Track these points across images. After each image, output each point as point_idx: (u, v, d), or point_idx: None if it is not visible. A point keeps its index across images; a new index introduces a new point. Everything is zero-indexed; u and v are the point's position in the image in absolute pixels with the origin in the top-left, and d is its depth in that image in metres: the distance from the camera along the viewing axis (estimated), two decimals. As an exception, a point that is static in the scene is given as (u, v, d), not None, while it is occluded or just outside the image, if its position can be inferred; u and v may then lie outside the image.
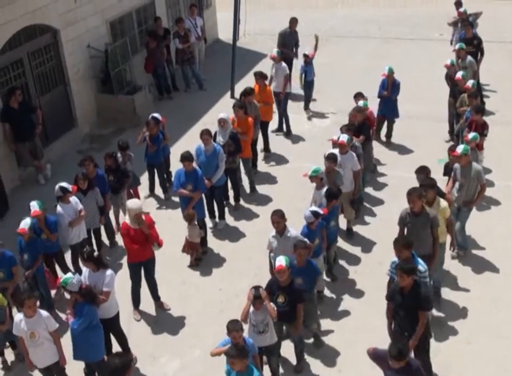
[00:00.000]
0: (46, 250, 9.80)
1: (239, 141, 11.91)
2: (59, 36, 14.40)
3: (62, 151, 14.55)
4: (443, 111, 14.60)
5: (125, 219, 9.51)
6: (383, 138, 14.38)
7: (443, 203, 9.36)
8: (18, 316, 7.99)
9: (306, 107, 15.98)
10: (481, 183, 10.29)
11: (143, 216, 9.27)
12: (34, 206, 9.60)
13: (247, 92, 13.11)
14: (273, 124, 15.16)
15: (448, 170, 11.05)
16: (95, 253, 8.62)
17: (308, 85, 15.67)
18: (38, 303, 8.36)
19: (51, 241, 9.78)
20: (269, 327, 7.97)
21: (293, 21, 16.71)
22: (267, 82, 14.07)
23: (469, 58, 14.55)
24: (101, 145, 14.62)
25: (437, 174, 10.30)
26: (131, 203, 9.37)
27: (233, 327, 7.21)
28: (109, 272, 8.52)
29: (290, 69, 16.03)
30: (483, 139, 11.85)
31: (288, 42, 16.68)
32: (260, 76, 13.77)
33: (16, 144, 13.03)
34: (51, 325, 7.99)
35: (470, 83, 12.97)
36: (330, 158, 10.52)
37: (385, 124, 14.30)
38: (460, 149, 10.22)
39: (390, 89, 13.81)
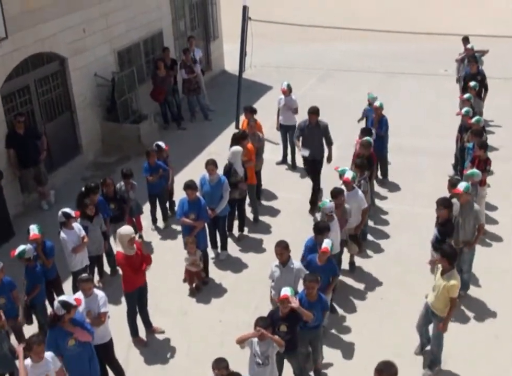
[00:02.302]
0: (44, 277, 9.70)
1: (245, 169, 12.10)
2: (66, 64, 14.52)
3: (66, 178, 14.58)
4: (447, 146, 14.63)
5: (117, 248, 9.38)
6: (379, 176, 14.15)
7: (454, 281, 8.47)
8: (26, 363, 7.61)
9: None
10: (478, 223, 10.15)
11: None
12: (34, 229, 9.60)
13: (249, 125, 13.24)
14: (278, 156, 15.22)
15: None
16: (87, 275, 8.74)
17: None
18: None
19: (46, 267, 9.70)
20: (270, 360, 7.86)
21: (312, 113, 12.81)
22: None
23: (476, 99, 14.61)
24: (105, 173, 14.61)
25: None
26: (124, 230, 9.31)
27: (216, 365, 7.31)
28: (101, 293, 8.54)
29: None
30: (485, 175, 11.82)
31: (308, 139, 12.97)
32: (250, 111, 13.60)
33: (21, 170, 13.07)
34: (56, 364, 7.76)
35: (474, 119, 12.99)
36: (338, 193, 10.43)
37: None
38: (462, 186, 10.04)
39: (377, 124, 13.70)
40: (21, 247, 9.25)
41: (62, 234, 9.98)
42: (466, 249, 10.22)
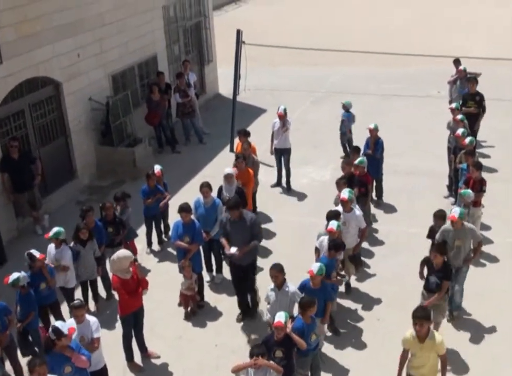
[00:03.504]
0: (42, 303, 9.67)
1: (244, 196, 11.88)
2: (61, 89, 14.57)
3: (61, 202, 14.55)
4: (441, 167, 14.67)
5: (113, 272, 9.35)
6: (374, 197, 14.11)
7: (439, 337, 7.93)
8: None
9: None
10: (477, 240, 10.14)
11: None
12: (36, 252, 9.72)
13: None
14: (272, 179, 15.23)
15: (432, 233, 10.59)
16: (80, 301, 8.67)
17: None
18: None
19: (51, 288, 9.78)
20: (268, 387, 7.80)
21: (231, 208, 10.13)
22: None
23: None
24: (100, 197, 14.61)
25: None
26: (124, 253, 9.29)
27: None
28: (93, 319, 8.51)
29: None
30: (481, 196, 11.84)
31: (233, 236, 10.20)
32: (243, 134, 13.69)
33: (15, 194, 13.04)
34: None
35: (468, 140, 13.04)
36: (337, 215, 10.47)
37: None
38: (457, 213, 9.90)
39: (372, 147, 13.78)
40: (15, 275, 9.22)
41: (48, 247, 10.21)
42: (464, 267, 10.19)
